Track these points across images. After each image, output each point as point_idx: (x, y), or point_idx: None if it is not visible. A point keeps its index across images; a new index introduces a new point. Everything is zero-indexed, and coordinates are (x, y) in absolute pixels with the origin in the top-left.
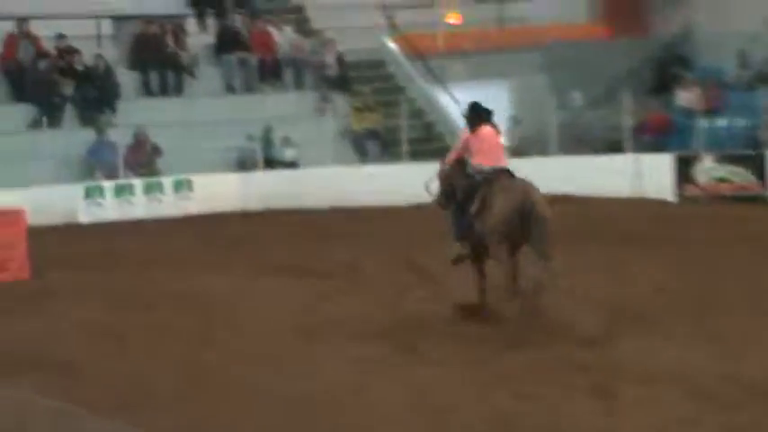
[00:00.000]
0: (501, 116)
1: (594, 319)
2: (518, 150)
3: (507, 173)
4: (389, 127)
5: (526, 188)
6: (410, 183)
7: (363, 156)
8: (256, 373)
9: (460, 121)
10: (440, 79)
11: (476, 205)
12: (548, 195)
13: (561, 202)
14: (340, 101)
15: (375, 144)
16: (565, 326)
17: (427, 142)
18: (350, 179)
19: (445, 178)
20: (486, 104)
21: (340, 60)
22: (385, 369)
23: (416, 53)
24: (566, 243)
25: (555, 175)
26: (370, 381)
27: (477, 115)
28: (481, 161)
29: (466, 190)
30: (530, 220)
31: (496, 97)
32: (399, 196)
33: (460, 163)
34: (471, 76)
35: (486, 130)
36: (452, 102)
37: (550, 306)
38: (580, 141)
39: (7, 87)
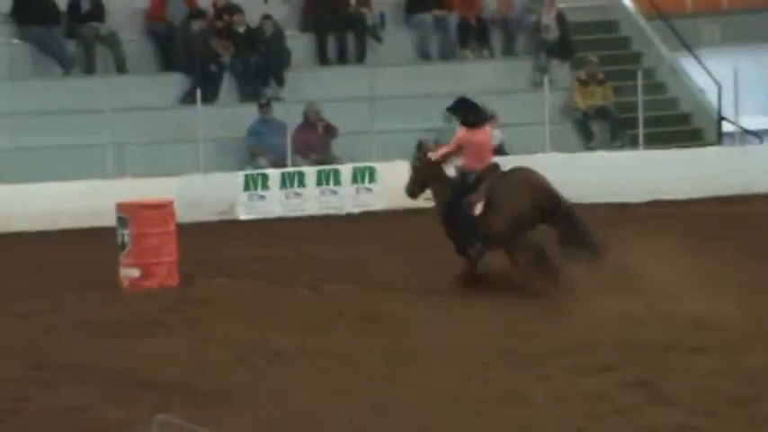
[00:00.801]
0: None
1: None
2: None
3: (497, 167)
4: (622, 104)
5: (535, 179)
6: (648, 174)
7: (588, 140)
8: (450, 413)
9: (712, 98)
10: (688, 44)
11: (478, 207)
12: None
13: None
14: (560, 71)
15: (604, 125)
16: None
17: (669, 123)
18: (571, 169)
19: (422, 170)
20: (750, 75)
21: (561, 21)
22: (613, 412)
23: (658, 12)
24: None
25: None
26: (595, 428)
27: (467, 113)
28: (470, 164)
29: (455, 190)
30: (557, 216)
31: (761, 68)
32: (633, 190)
33: (443, 161)
34: (729, 40)
35: (479, 131)
36: (704, 73)
37: None
38: None
39: (154, 54)
